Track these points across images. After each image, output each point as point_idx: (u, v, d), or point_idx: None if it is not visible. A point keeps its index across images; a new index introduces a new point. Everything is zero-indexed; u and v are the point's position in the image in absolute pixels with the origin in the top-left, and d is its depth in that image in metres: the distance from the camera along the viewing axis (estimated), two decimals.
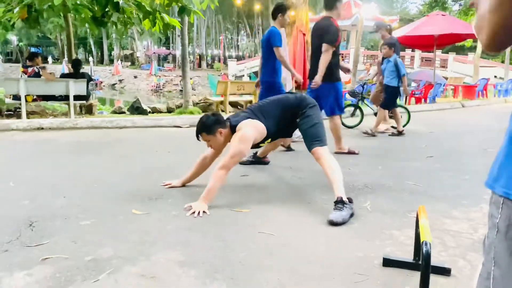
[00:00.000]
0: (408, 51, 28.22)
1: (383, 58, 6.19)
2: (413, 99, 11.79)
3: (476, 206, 2.78)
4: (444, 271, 1.85)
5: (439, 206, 2.77)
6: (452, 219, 2.54)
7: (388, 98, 5.96)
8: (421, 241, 1.46)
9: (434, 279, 1.76)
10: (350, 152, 4.50)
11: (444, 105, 11.18)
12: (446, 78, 17.83)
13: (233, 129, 2.92)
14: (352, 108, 7.08)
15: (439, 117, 8.87)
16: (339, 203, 2.55)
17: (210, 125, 2.89)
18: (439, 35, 10.86)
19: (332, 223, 2.43)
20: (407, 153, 4.66)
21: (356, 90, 7.35)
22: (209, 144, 2.99)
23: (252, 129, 2.87)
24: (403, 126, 6.29)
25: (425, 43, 11.82)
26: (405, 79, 5.82)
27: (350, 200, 2.62)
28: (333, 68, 4.45)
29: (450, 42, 12.90)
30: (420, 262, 1.90)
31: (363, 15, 14.12)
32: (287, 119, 3.06)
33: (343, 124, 6.53)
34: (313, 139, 2.93)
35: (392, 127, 6.23)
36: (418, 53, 27.46)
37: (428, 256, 1.40)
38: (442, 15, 11.98)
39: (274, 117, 3.03)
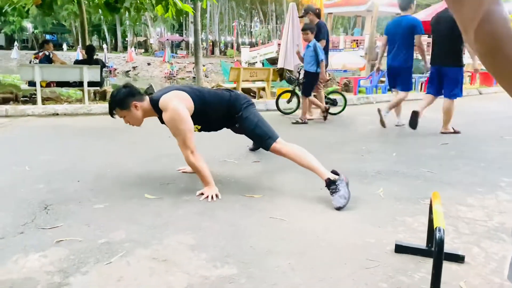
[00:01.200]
0: (425, 37, 27.67)
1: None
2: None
3: (491, 194, 2.73)
4: (458, 258, 1.83)
5: (453, 193, 2.73)
6: (466, 206, 2.50)
7: (308, 84, 5.70)
8: (434, 227, 1.44)
9: (447, 265, 1.74)
10: (455, 132, 5.01)
11: None
12: (463, 65, 17.42)
13: (154, 104, 2.66)
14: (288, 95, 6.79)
15: (455, 104, 8.69)
16: (331, 184, 2.53)
17: (122, 99, 2.63)
18: None
19: (340, 209, 2.42)
20: (422, 140, 4.59)
21: (292, 77, 7.12)
22: (126, 120, 2.72)
23: (177, 101, 2.61)
24: (339, 112, 6.54)
25: None
26: (323, 64, 5.54)
27: (336, 173, 2.59)
28: (461, 53, 5.06)
29: None
30: (433, 249, 1.88)
31: (378, 0, 13.81)
32: (218, 108, 2.82)
33: (279, 110, 6.58)
34: (263, 139, 2.79)
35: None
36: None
37: (441, 242, 1.37)
38: None
39: (203, 98, 2.76)
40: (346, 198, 2.46)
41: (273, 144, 2.75)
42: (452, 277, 1.71)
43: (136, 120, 2.72)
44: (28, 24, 46.34)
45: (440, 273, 1.38)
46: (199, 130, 2.91)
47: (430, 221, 1.82)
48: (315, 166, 2.65)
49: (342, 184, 2.51)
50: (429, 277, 1.69)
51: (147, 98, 2.72)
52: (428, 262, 1.82)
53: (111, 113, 2.71)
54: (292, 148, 2.75)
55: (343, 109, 6.73)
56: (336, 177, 2.56)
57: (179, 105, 2.60)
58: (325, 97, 6.57)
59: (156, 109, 2.67)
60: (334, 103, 6.86)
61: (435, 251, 1.39)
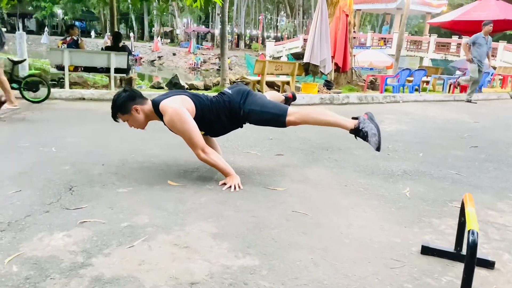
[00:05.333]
0: (455, 37, 26.98)
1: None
2: (457, 88, 11.31)
3: None
4: (488, 264, 1.76)
5: (483, 197, 2.64)
6: (497, 211, 2.41)
7: None
8: (467, 230, 1.38)
9: (476, 271, 1.66)
10: None
11: (491, 95, 10.67)
12: (495, 68, 16.97)
13: (155, 107, 2.62)
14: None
15: (484, 107, 8.47)
16: (358, 132, 2.56)
17: (122, 104, 2.61)
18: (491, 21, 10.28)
19: (379, 149, 2.49)
20: (449, 141, 4.47)
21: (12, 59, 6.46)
22: (130, 124, 2.71)
23: (177, 103, 2.57)
24: (42, 101, 5.81)
25: (475, 29, 11.26)
26: None
27: (355, 118, 2.62)
28: None
29: (502, 29, 12.25)
30: (462, 253, 1.82)
31: None
32: (220, 113, 2.73)
33: (25, 98, 5.76)
34: (276, 121, 2.70)
35: None
36: (465, 40, 26.22)
37: (474, 245, 1.32)
38: None
39: (204, 104, 2.71)
40: (376, 134, 2.48)
41: (287, 119, 2.68)
42: (481, 283, 1.64)
43: (139, 123, 2.69)
44: (58, 10, 47.27)
45: (472, 278, 1.33)
46: (204, 135, 2.80)
47: (461, 224, 1.76)
48: (335, 121, 2.65)
49: (366, 124, 2.50)
50: (457, 281, 1.64)
51: (149, 101, 2.68)
52: (456, 266, 1.76)
53: (114, 118, 2.68)
54: (306, 113, 2.69)
55: (46, 97, 5.90)
56: (356, 121, 2.55)
57: (178, 106, 2.55)
58: (24, 82, 5.75)
59: (157, 113, 2.63)
60: (33, 89, 5.82)
61: (468, 254, 1.33)
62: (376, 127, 2.51)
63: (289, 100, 3.33)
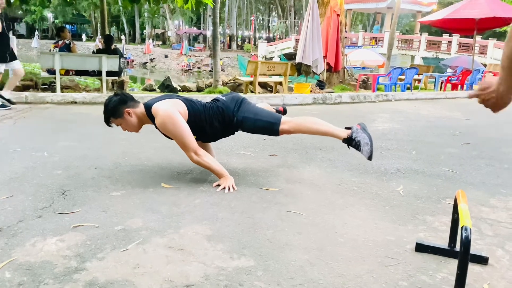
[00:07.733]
0: (446, 35, 27.20)
1: None
2: (448, 85, 11.40)
3: None
4: (481, 260, 1.77)
5: (476, 194, 2.66)
6: (489, 208, 2.43)
7: None
8: (460, 226, 1.39)
9: (470, 267, 1.67)
10: None
11: None
12: (485, 65, 17.14)
13: (147, 111, 2.61)
14: None
15: (476, 104, 8.52)
16: (350, 141, 2.58)
17: (114, 108, 2.61)
18: (481, 19, 10.39)
19: (371, 158, 2.51)
20: (442, 139, 4.50)
21: None
22: (123, 128, 2.70)
23: (169, 105, 2.57)
24: None
25: (465, 27, 11.36)
26: None
27: (348, 127, 2.64)
28: None
29: (492, 27, 12.34)
30: (455, 249, 1.83)
31: None
32: (212, 119, 2.72)
33: None
34: (269, 129, 2.71)
35: None
36: (455, 38, 26.45)
37: (467, 242, 1.32)
38: None
39: (197, 108, 2.70)
40: (369, 144, 2.49)
41: (280, 128, 2.69)
42: (475, 279, 1.65)
43: (132, 126, 2.68)
44: (48, 14, 46.96)
45: (466, 274, 1.33)
46: (196, 139, 2.73)
47: (454, 221, 1.77)
48: (328, 130, 2.67)
49: (358, 134, 2.53)
50: (451, 277, 1.65)
51: (141, 104, 2.67)
52: (450, 263, 1.77)
53: (107, 123, 2.68)
54: (299, 122, 2.70)
55: None
56: (349, 131, 2.58)
57: (170, 108, 2.54)
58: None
59: (150, 116, 2.62)
60: None
61: (461, 251, 1.33)
62: (369, 137, 2.53)
63: (280, 113, 3.33)
